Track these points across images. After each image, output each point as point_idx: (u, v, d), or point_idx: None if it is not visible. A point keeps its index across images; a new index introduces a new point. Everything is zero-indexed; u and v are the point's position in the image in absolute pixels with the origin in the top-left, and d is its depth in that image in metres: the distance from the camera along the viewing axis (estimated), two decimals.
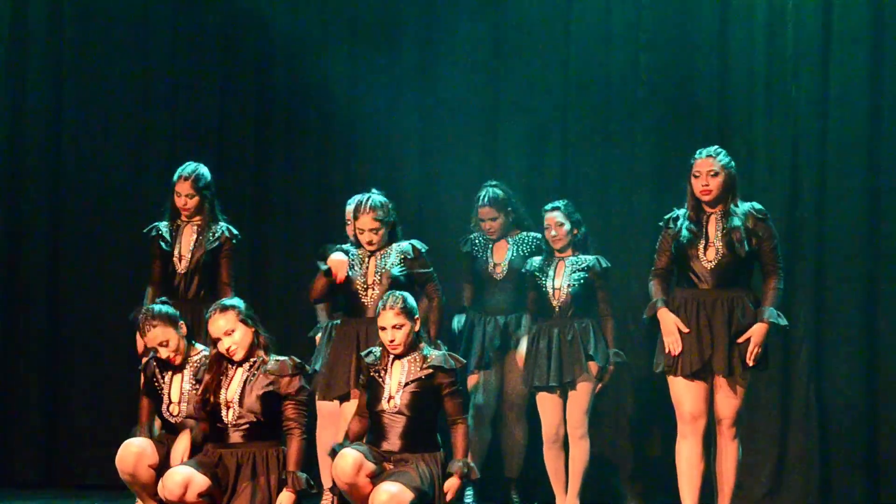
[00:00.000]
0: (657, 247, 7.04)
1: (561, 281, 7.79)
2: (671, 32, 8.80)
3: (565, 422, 7.80)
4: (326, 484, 7.74)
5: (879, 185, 8.52)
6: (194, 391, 6.54)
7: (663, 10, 8.80)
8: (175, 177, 7.77)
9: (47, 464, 9.18)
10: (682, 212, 6.98)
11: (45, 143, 9.30)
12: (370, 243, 7.21)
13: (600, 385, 7.84)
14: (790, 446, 8.51)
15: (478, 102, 9.04)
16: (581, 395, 7.73)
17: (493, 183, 8.20)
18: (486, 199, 8.16)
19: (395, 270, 7.20)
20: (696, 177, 6.90)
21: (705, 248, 6.87)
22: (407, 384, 6.49)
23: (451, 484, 6.46)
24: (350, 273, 7.19)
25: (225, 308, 6.42)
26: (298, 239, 9.12)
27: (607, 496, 8.62)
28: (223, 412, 6.34)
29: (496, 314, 8.16)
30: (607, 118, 8.88)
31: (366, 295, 7.18)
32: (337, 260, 7.13)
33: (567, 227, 7.84)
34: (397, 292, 6.63)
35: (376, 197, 7.25)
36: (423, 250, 7.28)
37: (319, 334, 7.79)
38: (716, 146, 7.00)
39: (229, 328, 6.38)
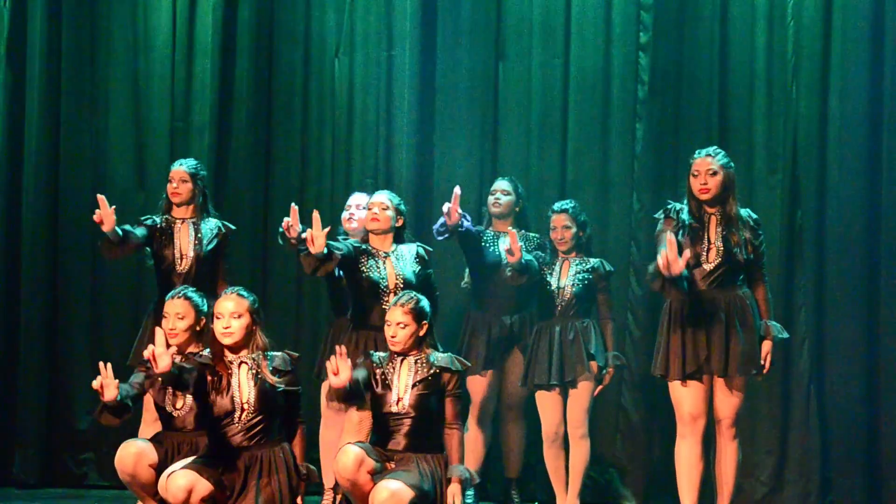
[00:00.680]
0: (657, 231, 6.99)
1: (565, 281, 7.80)
2: (671, 32, 8.80)
3: (565, 421, 7.80)
4: (328, 483, 7.76)
5: (880, 185, 8.52)
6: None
7: (663, 10, 8.79)
8: (172, 168, 7.82)
9: (47, 464, 9.17)
10: (682, 206, 6.98)
11: (45, 143, 9.29)
12: (375, 218, 7.29)
13: (600, 387, 7.84)
14: (790, 446, 8.51)
15: (478, 102, 9.03)
16: (582, 395, 7.74)
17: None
18: (506, 177, 8.28)
19: (410, 274, 7.27)
20: (694, 176, 6.90)
21: (707, 250, 6.87)
22: (415, 385, 6.51)
23: (454, 490, 6.45)
24: (372, 276, 7.25)
25: (241, 295, 6.40)
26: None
27: (607, 496, 8.63)
28: (235, 414, 6.30)
29: (501, 313, 8.14)
30: (607, 118, 8.87)
31: (387, 301, 7.20)
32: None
33: (574, 230, 7.85)
34: (413, 293, 6.68)
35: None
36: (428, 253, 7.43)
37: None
38: (714, 146, 7.02)
39: (237, 312, 6.35)
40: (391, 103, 9.11)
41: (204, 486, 6.18)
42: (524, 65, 8.98)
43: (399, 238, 7.42)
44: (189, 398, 6.69)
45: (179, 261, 7.74)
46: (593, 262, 7.86)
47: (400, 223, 7.41)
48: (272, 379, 6.30)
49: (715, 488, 7.07)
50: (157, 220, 7.81)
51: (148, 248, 7.81)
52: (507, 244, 7.54)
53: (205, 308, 6.78)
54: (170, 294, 6.87)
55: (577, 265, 7.84)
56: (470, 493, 7.97)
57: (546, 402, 7.82)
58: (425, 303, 6.64)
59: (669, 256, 6.58)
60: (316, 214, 7.00)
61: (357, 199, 8.02)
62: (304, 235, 7.13)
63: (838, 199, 8.54)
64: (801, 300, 8.51)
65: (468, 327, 8.18)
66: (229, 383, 6.30)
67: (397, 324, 6.54)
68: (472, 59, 9.03)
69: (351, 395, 6.43)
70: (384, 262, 7.33)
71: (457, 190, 7.67)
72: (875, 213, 8.51)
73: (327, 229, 7.05)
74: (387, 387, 6.53)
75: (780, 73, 8.64)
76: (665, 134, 8.78)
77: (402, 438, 6.48)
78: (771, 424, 8.50)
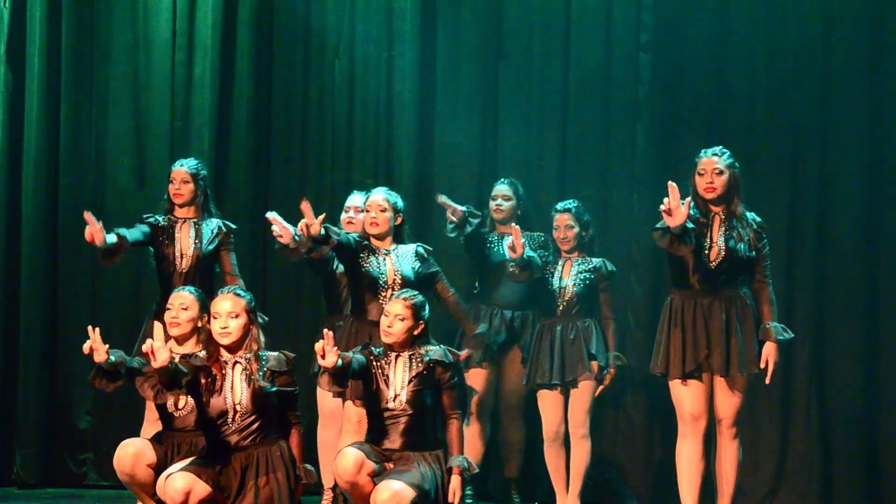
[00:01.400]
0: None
1: (567, 280, 7.80)
2: (671, 32, 8.80)
3: (566, 420, 7.80)
4: (327, 483, 7.76)
5: (880, 185, 8.52)
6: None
7: (663, 10, 8.79)
8: (174, 167, 7.82)
9: (47, 464, 9.17)
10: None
11: (45, 143, 9.28)
12: (374, 222, 7.30)
13: (601, 388, 7.84)
14: (791, 447, 8.51)
15: (478, 102, 9.03)
16: (583, 395, 7.74)
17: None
18: (502, 179, 8.28)
19: (409, 271, 7.25)
20: (700, 175, 6.90)
21: (709, 248, 6.87)
22: (410, 381, 6.51)
23: (455, 484, 6.46)
24: (372, 271, 7.26)
25: (238, 294, 6.40)
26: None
27: (608, 496, 8.62)
28: (229, 415, 6.31)
29: (503, 307, 8.15)
30: (607, 118, 8.87)
31: (384, 297, 7.22)
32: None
33: (576, 230, 7.85)
34: (415, 291, 6.70)
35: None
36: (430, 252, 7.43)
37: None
38: (720, 146, 7.01)
39: (234, 311, 6.35)
40: (391, 103, 9.11)
41: (202, 488, 6.18)
42: (524, 65, 8.98)
43: (399, 236, 7.42)
44: (191, 399, 6.68)
45: (180, 260, 7.74)
46: (595, 261, 7.86)
47: (399, 221, 7.40)
48: (259, 382, 6.28)
49: (715, 488, 7.06)
50: (160, 219, 7.82)
51: (151, 248, 7.82)
52: (510, 240, 7.54)
53: (208, 306, 6.79)
54: (177, 289, 6.95)
55: (579, 265, 7.85)
56: (469, 490, 7.97)
57: (547, 401, 7.83)
58: (425, 302, 6.65)
59: (672, 203, 6.60)
60: (306, 204, 7.00)
61: (355, 200, 8.02)
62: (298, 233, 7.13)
63: (838, 199, 8.54)
64: (801, 300, 8.50)
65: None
66: (223, 384, 6.30)
67: (396, 315, 6.55)
68: (472, 59, 9.03)
69: (339, 378, 6.42)
70: (384, 259, 7.34)
71: (438, 199, 7.76)
72: (875, 213, 8.51)
73: (323, 215, 7.05)
74: (383, 383, 6.53)
75: (780, 72, 8.64)
76: (665, 134, 8.79)
77: (399, 436, 6.49)
78: (771, 424, 8.50)
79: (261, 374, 6.31)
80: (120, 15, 9.33)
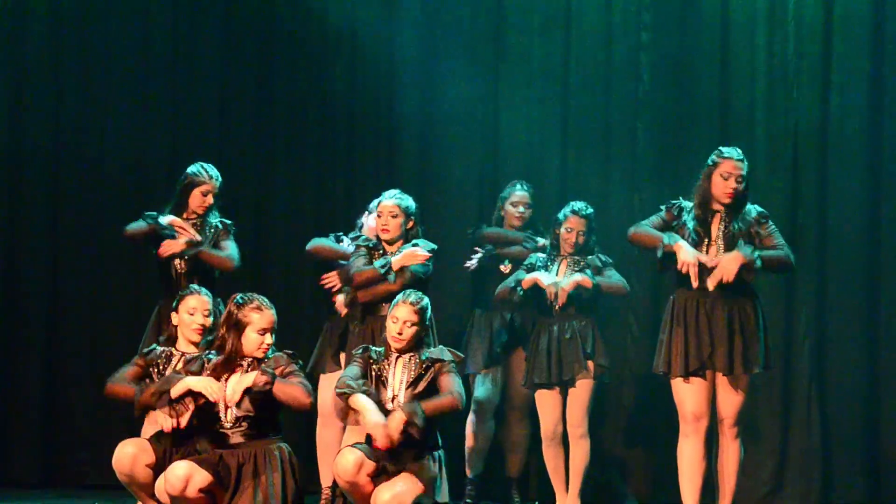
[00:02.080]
0: (651, 218, 7.00)
1: (562, 280, 7.78)
2: (672, 32, 8.80)
3: (564, 420, 7.79)
4: (325, 482, 7.77)
5: (880, 184, 8.53)
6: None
7: (664, 10, 8.80)
8: (206, 176, 7.80)
9: (47, 464, 9.18)
10: (687, 204, 6.95)
11: (45, 143, 9.30)
12: (385, 228, 7.34)
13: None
14: (791, 446, 8.51)
15: (478, 102, 9.04)
16: (581, 394, 7.73)
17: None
18: (525, 186, 8.28)
19: (415, 268, 7.27)
20: (724, 178, 6.81)
21: (707, 247, 6.87)
22: (409, 382, 6.50)
23: (394, 422, 6.33)
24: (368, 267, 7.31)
25: (271, 306, 6.43)
26: (298, 239, 9.11)
27: (608, 496, 8.62)
28: (222, 414, 6.31)
29: (502, 309, 8.17)
30: (607, 117, 8.88)
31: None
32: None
33: (585, 237, 7.83)
34: (420, 292, 6.68)
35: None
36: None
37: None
38: (737, 149, 6.94)
39: (273, 326, 6.39)
40: (391, 103, 9.11)
41: (202, 477, 6.20)
42: (524, 65, 8.98)
43: (408, 239, 7.42)
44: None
45: (180, 258, 7.77)
46: (588, 259, 7.82)
47: (410, 225, 7.39)
48: (259, 379, 6.28)
49: (716, 488, 7.06)
50: (162, 219, 7.84)
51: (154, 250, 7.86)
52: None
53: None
54: (196, 289, 6.95)
55: (572, 265, 7.83)
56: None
57: (545, 401, 7.82)
58: (429, 305, 6.65)
59: (692, 269, 6.69)
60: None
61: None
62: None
63: (838, 199, 8.54)
64: (801, 300, 8.51)
65: (470, 327, 8.23)
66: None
67: (405, 322, 6.55)
68: (472, 60, 9.03)
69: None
70: (382, 256, 7.38)
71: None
72: (875, 212, 8.51)
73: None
74: (382, 384, 6.53)
75: (781, 72, 8.64)
76: (666, 133, 8.79)
77: (399, 436, 6.47)
78: (771, 424, 8.51)
79: (269, 362, 6.31)
80: (120, 14, 9.33)
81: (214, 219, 7.88)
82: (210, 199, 7.82)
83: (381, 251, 7.38)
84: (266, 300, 6.44)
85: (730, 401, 6.89)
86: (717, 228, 6.88)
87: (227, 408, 6.33)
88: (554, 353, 7.72)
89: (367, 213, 7.83)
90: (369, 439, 6.55)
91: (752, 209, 6.90)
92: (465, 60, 9.04)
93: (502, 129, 9.04)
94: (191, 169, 7.89)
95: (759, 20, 8.68)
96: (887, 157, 8.51)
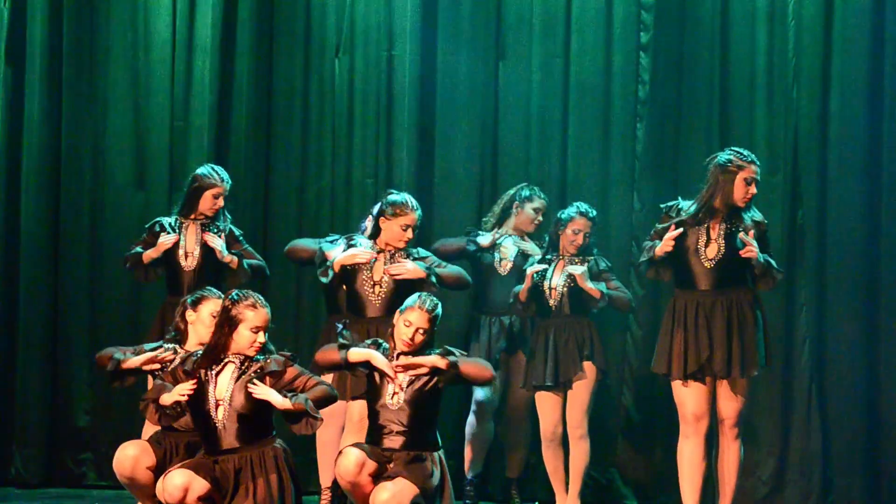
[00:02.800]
0: (654, 229, 7.02)
1: (557, 281, 7.78)
2: (672, 32, 8.79)
3: (564, 421, 7.79)
4: (325, 482, 7.78)
5: (880, 185, 8.51)
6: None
7: (664, 10, 8.79)
8: (217, 179, 7.83)
9: (47, 464, 9.17)
10: (684, 204, 6.96)
11: (46, 142, 9.28)
12: (408, 241, 7.41)
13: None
14: (791, 446, 8.50)
15: (478, 102, 9.03)
16: (580, 395, 7.73)
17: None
18: (538, 190, 8.33)
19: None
20: (747, 182, 6.83)
21: (706, 245, 6.86)
22: (411, 381, 6.50)
23: (432, 359, 6.44)
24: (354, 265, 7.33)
25: (265, 304, 6.40)
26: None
27: (608, 496, 8.62)
28: (213, 412, 6.30)
29: (500, 314, 8.18)
30: (608, 118, 8.87)
31: (372, 292, 7.27)
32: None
33: (589, 239, 7.82)
34: (435, 298, 6.66)
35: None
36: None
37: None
38: (748, 151, 6.96)
39: (267, 324, 6.38)
40: (391, 103, 9.10)
41: (201, 485, 6.17)
42: (524, 65, 8.98)
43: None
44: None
45: (184, 259, 7.78)
46: (588, 262, 7.81)
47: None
48: (260, 392, 6.26)
49: (716, 488, 7.07)
50: (167, 221, 7.85)
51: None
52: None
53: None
54: (218, 293, 6.93)
55: (570, 263, 7.81)
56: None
57: (544, 402, 7.82)
58: (441, 310, 6.65)
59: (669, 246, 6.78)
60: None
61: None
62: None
63: (838, 199, 8.53)
64: (801, 300, 8.50)
65: (469, 332, 8.25)
66: (209, 381, 6.29)
67: (418, 329, 6.52)
68: (472, 59, 9.02)
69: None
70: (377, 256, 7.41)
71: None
72: (875, 212, 8.50)
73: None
74: (383, 381, 6.53)
75: (781, 72, 8.63)
76: (666, 134, 8.78)
77: (399, 436, 6.47)
78: (771, 424, 8.50)
79: (271, 366, 6.29)
80: (120, 15, 9.32)
81: (224, 223, 7.89)
82: (220, 202, 7.85)
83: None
84: (261, 298, 6.40)
85: (730, 402, 6.89)
86: (717, 227, 6.88)
87: (217, 406, 6.28)
88: (551, 354, 7.72)
89: (370, 216, 7.83)
90: (369, 439, 6.55)
91: (750, 215, 6.93)
92: (465, 59, 9.02)
93: (502, 129, 9.02)
94: (200, 171, 7.90)
95: (759, 20, 8.67)
96: (887, 157, 8.50)
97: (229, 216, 8.00)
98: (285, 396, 6.18)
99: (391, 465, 6.43)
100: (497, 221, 8.35)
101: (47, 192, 9.27)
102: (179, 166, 9.12)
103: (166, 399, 6.30)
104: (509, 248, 8.24)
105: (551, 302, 7.78)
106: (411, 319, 6.53)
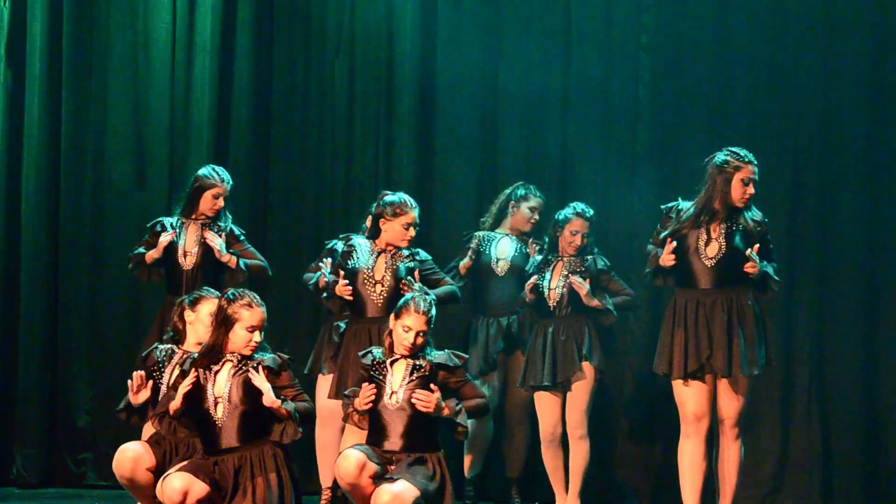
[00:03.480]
0: (655, 233, 7.03)
1: (556, 282, 7.78)
2: (672, 32, 8.79)
3: (563, 421, 7.79)
4: (325, 483, 7.78)
5: (880, 185, 8.52)
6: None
7: (663, 10, 8.79)
8: (218, 179, 7.83)
9: (47, 464, 9.17)
10: (685, 204, 6.96)
11: (46, 142, 9.28)
12: (410, 240, 7.39)
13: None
14: (791, 446, 8.51)
15: (478, 102, 9.03)
16: (579, 395, 7.73)
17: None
18: (534, 189, 8.32)
19: (403, 268, 7.27)
20: (744, 183, 6.83)
21: (706, 244, 6.86)
22: (410, 381, 6.49)
23: (432, 395, 6.43)
24: (355, 265, 7.30)
25: (263, 304, 6.40)
26: (298, 239, 9.12)
27: (608, 496, 8.62)
28: (212, 410, 6.29)
29: (498, 315, 8.19)
30: (608, 118, 8.87)
31: (373, 291, 7.26)
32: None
33: (588, 239, 7.81)
34: (429, 298, 6.65)
35: None
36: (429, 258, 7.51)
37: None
38: (746, 150, 6.96)
39: (263, 323, 6.37)
40: (391, 103, 9.11)
41: (200, 488, 6.17)
42: (524, 65, 8.98)
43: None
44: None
45: (184, 259, 7.78)
46: (587, 261, 7.80)
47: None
48: (256, 379, 6.27)
49: (716, 488, 7.07)
50: (169, 221, 7.87)
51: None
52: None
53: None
54: (215, 293, 6.93)
55: (570, 264, 7.82)
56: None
57: (544, 402, 7.82)
58: (435, 307, 6.65)
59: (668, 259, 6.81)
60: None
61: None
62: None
63: (838, 199, 8.53)
64: (801, 300, 8.50)
65: (467, 333, 8.27)
66: (212, 380, 6.28)
67: (417, 332, 6.51)
68: (472, 59, 9.02)
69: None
70: (378, 257, 7.39)
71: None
72: (875, 213, 8.51)
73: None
74: (380, 383, 6.52)
75: (781, 72, 8.63)
76: (665, 134, 8.78)
77: (399, 437, 6.47)
78: (771, 424, 8.51)
79: (267, 361, 6.29)
80: (120, 15, 9.32)
81: (225, 223, 7.90)
82: (221, 203, 7.85)
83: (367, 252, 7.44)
84: (257, 297, 6.40)
85: (730, 402, 6.89)
86: (717, 226, 6.88)
87: (217, 403, 6.28)
88: (549, 354, 7.72)
89: (370, 216, 7.83)
90: (370, 440, 6.55)
91: (750, 216, 6.92)
92: (465, 59, 9.03)
93: (502, 129, 9.03)
94: (202, 172, 7.91)
95: (759, 20, 8.67)
96: (887, 157, 8.51)
97: (230, 216, 7.99)
98: (277, 397, 6.21)
99: (392, 467, 6.43)
100: (494, 221, 8.35)
101: (47, 193, 9.27)
102: (179, 166, 9.12)
103: (173, 404, 6.31)
104: (506, 249, 8.24)
105: (551, 303, 7.78)
106: (409, 324, 6.52)
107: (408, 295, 6.67)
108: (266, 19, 9.28)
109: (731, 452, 6.96)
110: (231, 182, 7.93)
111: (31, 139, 9.26)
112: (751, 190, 6.84)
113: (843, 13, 8.58)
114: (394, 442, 6.48)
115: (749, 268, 6.78)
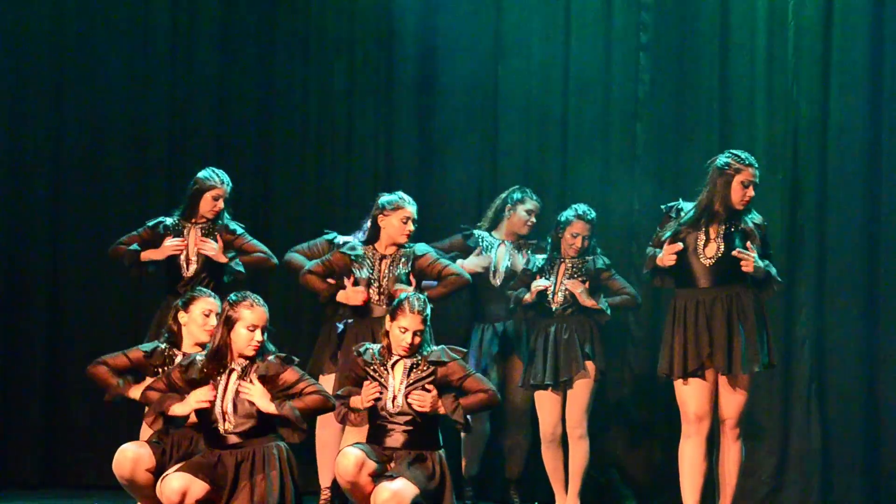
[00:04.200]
0: (655, 235, 7.04)
1: (560, 283, 7.78)
2: (671, 32, 8.80)
3: (563, 421, 7.79)
4: (324, 482, 7.78)
5: (880, 185, 8.51)
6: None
7: (664, 10, 8.79)
8: (217, 181, 7.84)
9: (47, 464, 9.18)
10: (685, 205, 6.97)
11: (46, 142, 9.29)
12: (409, 234, 7.40)
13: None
14: (791, 447, 8.51)
15: (478, 102, 9.03)
16: (580, 395, 7.72)
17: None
18: (531, 193, 8.32)
19: (403, 272, 7.30)
20: (744, 185, 6.83)
21: (705, 244, 6.87)
22: (410, 383, 6.49)
23: (427, 394, 6.45)
24: (359, 273, 7.31)
25: (264, 305, 6.41)
26: (299, 239, 9.11)
27: (608, 496, 8.62)
28: (219, 423, 6.30)
29: (493, 321, 8.21)
30: (607, 118, 8.87)
31: (375, 293, 7.31)
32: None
33: (589, 242, 7.81)
34: (422, 296, 6.65)
35: None
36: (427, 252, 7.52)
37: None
38: (746, 153, 6.96)
39: (265, 323, 6.38)
40: (391, 103, 9.11)
41: (199, 488, 6.18)
42: (524, 65, 8.98)
43: None
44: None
45: (186, 264, 7.79)
46: (587, 262, 7.80)
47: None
48: (247, 390, 6.28)
49: (716, 488, 7.07)
50: (168, 221, 7.87)
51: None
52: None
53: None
54: (207, 292, 6.98)
55: (572, 265, 7.81)
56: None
57: (544, 402, 7.82)
58: (429, 305, 6.65)
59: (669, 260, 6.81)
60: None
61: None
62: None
63: (838, 199, 8.54)
64: (801, 300, 8.50)
65: (469, 339, 8.27)
66: (215, 395, 6.30)
67: (415, 332, 6.52)
68: (471, 59, 9.02)
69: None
70: (380, 262, 7.40)
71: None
72: (875, 212, 8.51)
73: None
74: (381, 385, 6.52)
75: (781, 73, 8.63)
76: (665, 134, 8.79)
77: (400, 436, 6.48)
78: (771, 424, 8.51)
79: (260, 369, 6.29)
80: (121, 13, 9.33)
81: (220, 223, 7.90)
82: (220, 204, 7.85)
83: (369, 259, 7.43)
84: (259, 298, 6.42)
85: (731, 401, 6.89)
86: (716, 227, 6.89)
87: (224, 418, 6.30)
88: (550, 354, 7.72)
89: (369, 219, 7.83)
90: (370, 439, 6.55)
91: (750, 218, 6.93)
92: (464, 59, 9.03)
93: (502, 129, 9.03)
94: (201, 174, 7.90)
95: (759, 20, 8.67)
96: (887, 157, 8.50)
97: (229, 217, 7.98)
98: (276, 400, 6.21)
99: (392, 465, 6.43)
100: (490, 225, 8.36)
101: (47, 193, 9.27)
102: (179, 167, 9.12)
103: (180, 409, 6.31)
104: (502, 259, 8.25)
105: (554, 304, 7.78)
106: (405, 325, 6.52)
107: (401, 295, 6.68)
108: (266, 19, 9.29)
109: (731, 453, 6.96)
110: (230, 184, 7.93)
111: (31, 139, 9.27)
112: (751, 192, 6.85)
113: (843, 12, 8.57)
114: (394, 440, 6.50)
115: (745, 266, 6.77)
